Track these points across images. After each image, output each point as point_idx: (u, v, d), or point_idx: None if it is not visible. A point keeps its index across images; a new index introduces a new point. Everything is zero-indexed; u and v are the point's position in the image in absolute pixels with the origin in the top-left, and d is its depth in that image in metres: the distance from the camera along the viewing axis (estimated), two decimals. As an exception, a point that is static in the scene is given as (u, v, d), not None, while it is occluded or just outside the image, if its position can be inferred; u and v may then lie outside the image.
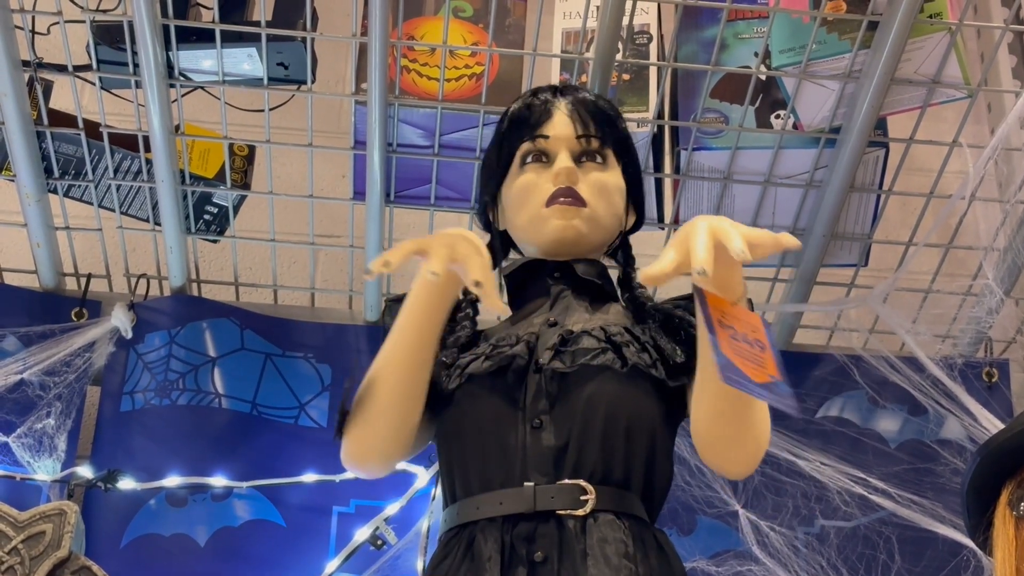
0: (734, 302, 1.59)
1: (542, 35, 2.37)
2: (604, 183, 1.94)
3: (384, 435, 1.82)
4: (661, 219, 2.60)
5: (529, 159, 1.95)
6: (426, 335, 1.79)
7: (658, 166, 2.54)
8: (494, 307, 1.66)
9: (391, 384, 1.80)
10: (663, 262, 1.54)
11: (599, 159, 1.95)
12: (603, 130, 1.96)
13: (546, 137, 1.94)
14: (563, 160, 1.92)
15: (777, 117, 2.47)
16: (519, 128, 1.97)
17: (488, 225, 2.06)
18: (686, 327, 1.85)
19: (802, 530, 2.51)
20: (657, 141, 2.52)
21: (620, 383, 1.78)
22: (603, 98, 2.03)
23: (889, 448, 2.63)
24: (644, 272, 1.54)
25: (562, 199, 1.90)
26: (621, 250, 2.03)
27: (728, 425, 1.71)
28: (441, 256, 1.65)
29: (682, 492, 2.45)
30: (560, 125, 1.95)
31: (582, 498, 1.72)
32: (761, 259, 1.56)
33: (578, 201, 1.90)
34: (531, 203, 1.93)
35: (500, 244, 2.03)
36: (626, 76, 2.48)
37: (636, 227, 2.06)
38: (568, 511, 1.72)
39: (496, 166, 2.00)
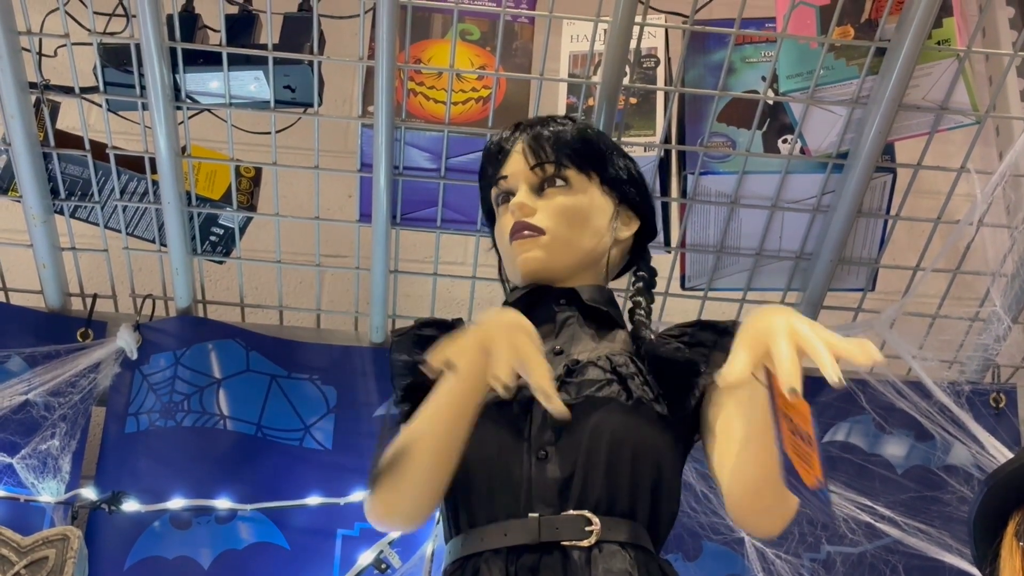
0: (792, 389, 1.55)
1: (549, 57, 2.37)
2: (567, 205, 1.94)
3: (413, 503, 1.81)
4: (668, 243, 2.60)
5: (500, 200, 2.01)
6: (465, 414, 1.75)
7: (665, 190, 2.53)
8: (555, 409, 1.63)
9: (426, 457, 1.76)
10: (739, 366, 1.53)
11: (560, 182, 1.96)
12: (557, 153, 1.96)
13: (504, 177, 1.99)
14: (518, 195, 1.95)
15: (784, 142, 2.46)
16: (485, 175, 2.04)
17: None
18: (680, 373, 1.85)
19: (808, 557, 2.50)
20: (664, 165, 2.51)
21: (625, 414, 1.77)
22: (567, 118, 2.03)
23: (895, 474, 2.62)
24: (721, 376, 1.54)
25: (517, 234, 1.94)
26: (642, 266, 2.03)
27: (767, 498, 1.71)
28: (506, 362, 1.62)
29: (688, 518, 2.45)
30: (515, 162, 1.98)
31: (587, 529, 1.72)
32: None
33: (534, 231, 1.92)
34: (504, 242, 1.98)
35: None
36: (633, 100, 2.48)
37: (646, 236, 2.05)
38: (573, 542, 1.71)
39: (484, 212, 2.08)
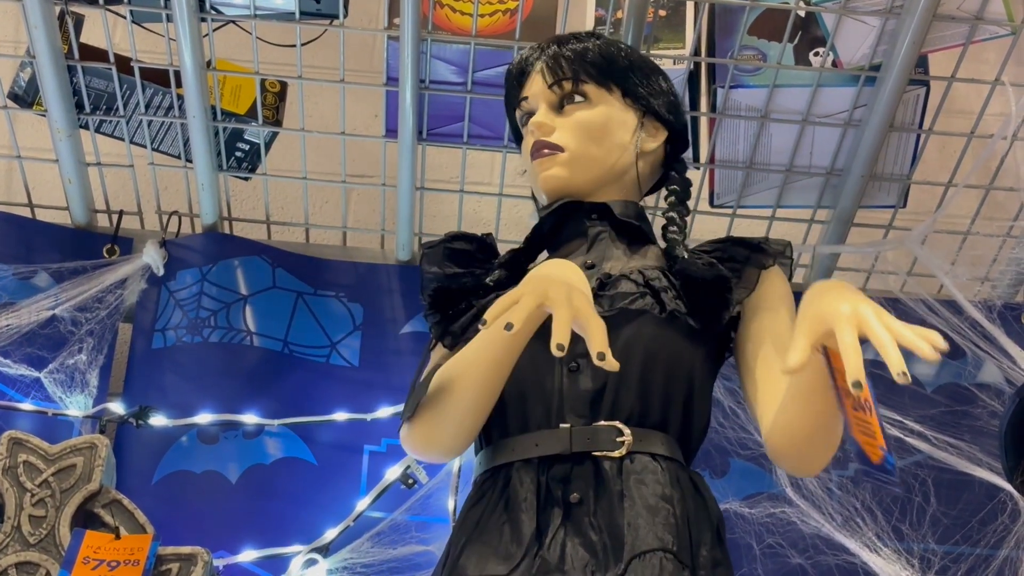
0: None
1: (578, -30, 2.35)
2: (585, 120, 1.93)
3: (454, 435, 1.78)
4: (697, 159, 2.58)
5: (524, 121, 2.00)
6: (511, 356, 1.72)
7: (694, 104, 2.51)
8: (608, 366, 1.56)
9: (468, 393, 1.74)
10: (800, 351, 1.49)
11: (578, 98, 1.94)
12: (575, 69, 1.93)
13: (525, 98, 1.98)
14: (536, 115, 1.95)
15: (816, 54, 2.43)
16: (508, 96, 2.02)
17: None
18: (713, 290, 1.82)
19: (836, 472, 2.49)
20: (693, 79, 2.48)
21: (658, 327, 1.77)
22: (589, 34, 1.99)
23: (926, 391, 2.61)
24: (787, 364, 1.50)
25: (537, 153, 1.93)
26: (676, 179, 2.00)
27: (815, 445, 1.70)
28: (565, 322, 1.55)
29: (716, 434, 2.44)
30: (534, 82, 1.98)
31: (618, 439, 1.71)
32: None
33: (553, 148, 1.91)
34: (527, 162, 1.97)
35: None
36: (662, 12, 2.45)
37: (677, 147, 2.02)
38: (604, 452, 1.71)
39: (513, 133, 2.06)
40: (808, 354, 1.50)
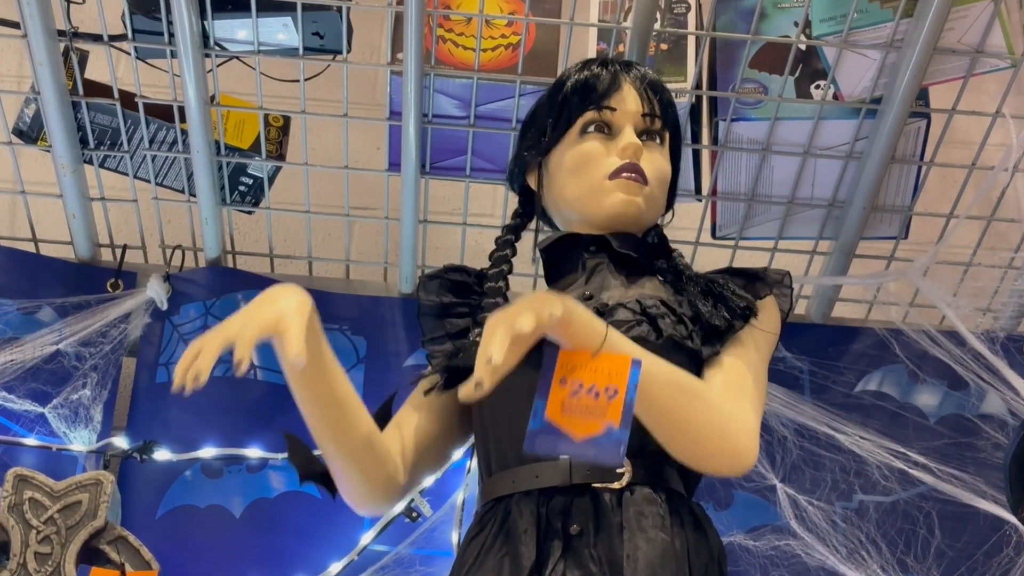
0: (595, 351, 1.57)
1: (579, 4, 2.35)
2: (661, 165, 1.92)
3: (361, 487, 1.82)
4: (699, 191, 2.58)
5: (591, 129, 1.92)
6: (314, 395, 1.80)
7: (696, 137, 2.52)
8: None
9: (329, 449, 1.81)
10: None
11: (658, 140, 1.93)
12: (666, 112, 1.93)
13: (613, 109, 1.91)
14: (629, 135, 1.89)
15: (817, 87, 2.44)
16: (585, 95, 1.93)
17: (523, 188, 2.03)
18: (727, 294, 1.83)
19: (841, 505, 2.49)
20: (695, 112, 2.49)
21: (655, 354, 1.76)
22: (662, 79, 2.00)
23: (929, 422, 2.61)
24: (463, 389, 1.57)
25: (627, 174, 1.87)
26: (652, 229, 2.00)
27: (674, 436, 1.69)
28: (245, 342, 1.65)
29: (719, 466, 2.43)
30: (629, 99, 1.92)
31: (618, 471, 1.71)
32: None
33: (642, 178, 1.88)
34: (591, 173, 1.89)
35: (533, 208, 2.01)
36: (664, 46, 2.46)
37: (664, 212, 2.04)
38: (604, 484, 1.70)
39: (551, 130, 1.95)
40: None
